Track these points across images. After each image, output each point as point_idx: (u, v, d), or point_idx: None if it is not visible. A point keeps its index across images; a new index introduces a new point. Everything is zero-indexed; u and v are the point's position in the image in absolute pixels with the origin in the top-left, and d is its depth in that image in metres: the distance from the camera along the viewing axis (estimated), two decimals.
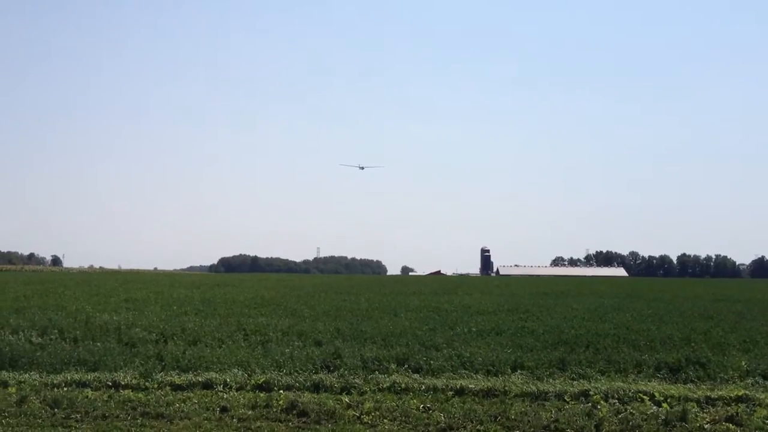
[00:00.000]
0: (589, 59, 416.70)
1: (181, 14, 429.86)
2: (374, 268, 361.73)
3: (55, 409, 12.30)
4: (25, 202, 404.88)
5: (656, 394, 13.70)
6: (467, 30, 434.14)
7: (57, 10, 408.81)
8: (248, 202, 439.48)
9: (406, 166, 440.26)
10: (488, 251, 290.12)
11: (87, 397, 13.26)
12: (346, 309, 31.04)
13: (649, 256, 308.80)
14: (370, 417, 12.10)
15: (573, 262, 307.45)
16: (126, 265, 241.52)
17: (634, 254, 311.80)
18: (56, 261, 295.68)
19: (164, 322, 23.41)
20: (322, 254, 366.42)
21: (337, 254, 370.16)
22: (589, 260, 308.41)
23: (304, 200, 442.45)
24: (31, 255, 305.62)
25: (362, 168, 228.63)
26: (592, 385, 14.57)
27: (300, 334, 20.93)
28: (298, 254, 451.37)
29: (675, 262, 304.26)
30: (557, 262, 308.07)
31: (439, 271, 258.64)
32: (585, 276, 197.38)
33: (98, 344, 18.54)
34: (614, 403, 13.22)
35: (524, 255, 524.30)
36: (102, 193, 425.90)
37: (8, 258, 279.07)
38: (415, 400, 13.28)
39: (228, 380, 14.61)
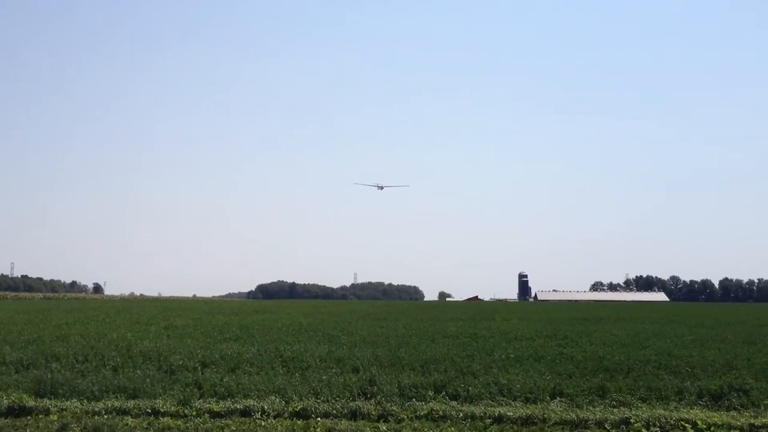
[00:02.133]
0: (626, 81, 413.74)
1: (210, 37, 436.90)
2: (411, 293, 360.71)
3: None
4: (67, 231, 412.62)
5: (699, 422, 13.43)
6: (500, 53, 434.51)
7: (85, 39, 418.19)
8: (285, 228, 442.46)
9: (435, 185, 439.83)
10: (526, 276, 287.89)
11: (127, 424, 13.40)
12: (384, 335, 30.97)
13: (691, 281, 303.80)
14: None
15: (613, 287, 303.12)
16: (166, 293, 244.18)
17: (675, 279, 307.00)
18: (98, 289, 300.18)
19: (203, 350, 23.59)
20: (360, 280, 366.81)
21: (374, 280, 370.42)
22: (629, 285, 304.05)
23: (342, 226, 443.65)
24: (74, 283, 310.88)
25: (381, 188, 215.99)
26: (633, 412, 14.33)
27: (337, 361, 20.93)
28: (335, 280, 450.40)
29: (717, 286, 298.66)
30: (596, 287, 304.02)
31: (477, 296, 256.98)
32: (625, 301, 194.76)
33: (138, 371, 18.74)
34: (656, 431, 12.99)
35: (563, 280, 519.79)
36: (142, 221, 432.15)
37: (51, 286, 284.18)
38: (452, 428, 13.19)
39: (266, 407, 14.66)
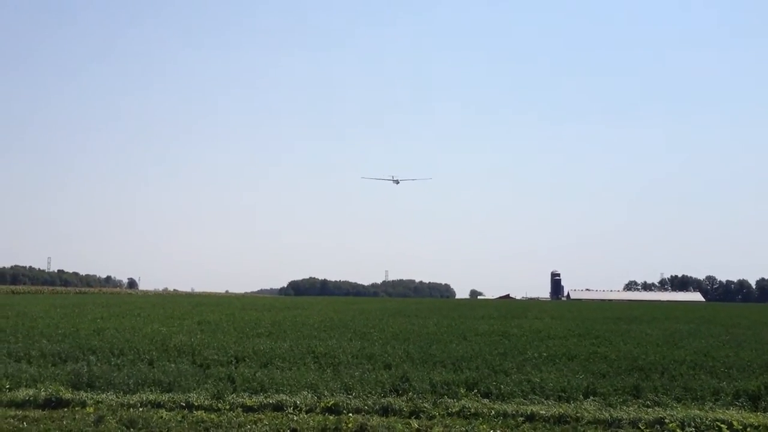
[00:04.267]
0: (669, 78, 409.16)
1: (237, 34, 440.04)
2: (442, 291, 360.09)
3: (131, 429, 12.62)
4: (103, 226, 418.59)
5: (735, 423, 13.24)
6: (540, 45, 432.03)
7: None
8: (317, 225, 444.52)
9: (466, 182, 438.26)
10: (558, 275, 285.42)
11: (161, 417, 13.56)
12: (415, 332, 30.98)
13: (727, 281, 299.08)
14: None
15: (647, 287, 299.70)
16: (199, 288, 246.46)
17: (711, 278, 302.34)
18: (132, 284, 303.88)
19: (236, 345, 23.79)
20: (391, 278, 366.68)
21: (405, 278, 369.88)
22: (663, 284, 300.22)
23: (373, 223, 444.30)
24: (108, 278, 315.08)
25: (397, 182, 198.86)
26: (668, 413, 14.16)
27: (369, 358, 20.98)
28: (366, 278, 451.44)
29: (754, 286, 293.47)
30: (630, 286, 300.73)
31: (508, 295, 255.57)
32: (659, 301, 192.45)
33: (173, 365, 18.95)
34: (691, 431, 12.83)
35: (596, 279, 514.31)
36: (176, 218, 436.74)
37: (86, 281, 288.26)
38: (484, 426, 13.14)
39: (298, 402, 14.74)
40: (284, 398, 15.07)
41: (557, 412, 14.12)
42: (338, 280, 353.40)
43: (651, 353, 23.14)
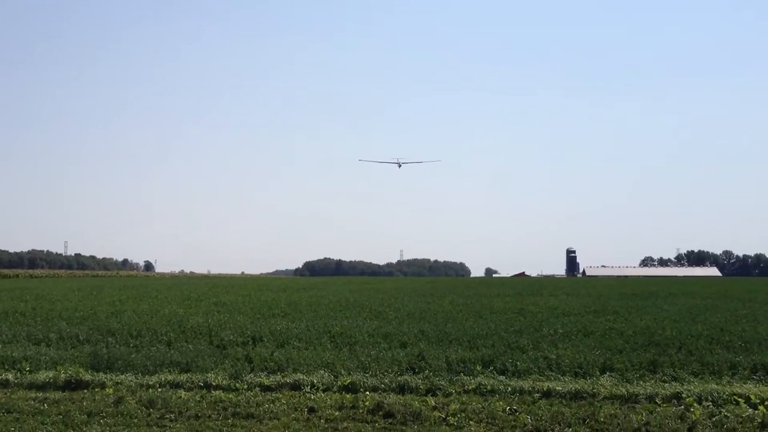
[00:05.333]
0: (683, 49, 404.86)
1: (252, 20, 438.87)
2: (457, 270, 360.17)
3: (150, 409, 12.72)
4: (119, 210, 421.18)
5: (752, 397, 13.17)
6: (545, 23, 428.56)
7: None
8: (331, 206, 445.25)
9: (480, 160, 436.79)
10: (574, 252, 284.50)
11: (180, 397, 13.68)
12: (431, 311, 31.06)
13: (744, 255, 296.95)
14: (456, 419, 12.07)
15: (663, 262, 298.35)
16: (215, 270, 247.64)
17: (727, 253, 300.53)
18: (149, 266, 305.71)
19: (253, 325, 23.93)
20: (406, 257, 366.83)
21: (420, 257, 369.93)
22: (680, 260, 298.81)
23: (388, 203, 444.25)
24: (125, 261, 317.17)
25: (400, 165, 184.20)
26: (685, 387, 14.13)
27: (385, 336, 21.05)
28: (381, 257, 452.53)
29: None
30: (646, 262, 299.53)
31: (524, 272, 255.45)
32: (676, 276, 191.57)
33: (190, 346, 19.09)
34: (708, 406, 12.80)
35: (612, 255, 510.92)
36: (191, 200, 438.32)
37: (104, 264, 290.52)
38: (501, 402, 13.17)
39: (315, 381, 14.82)
40: (301, 377, 15.15)
41: (574, 388, 14.12)
42: (353, 260, 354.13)
43: (668, 328, 23.08)
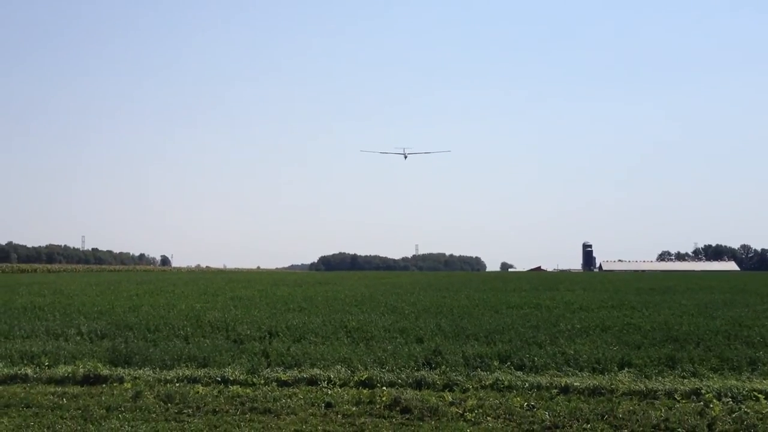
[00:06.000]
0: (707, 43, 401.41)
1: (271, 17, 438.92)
2: (473, 264, 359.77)
3: (168, 404, 12.75)
4: (136, 205, 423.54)
5: None
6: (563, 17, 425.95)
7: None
8: (346, 200, 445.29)
9: (494, 153, 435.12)
10: (590, 246, 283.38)
11: (198, 392, 13.71)
12: (447, 306, 30.99)
13: (762, 249, 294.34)
14: (474, 414, 12.02)
15: (680, 257, 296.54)
16: (231, 265, 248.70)
17: (745, 247, 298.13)
18: (165, 261, 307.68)
19: (269, 320, 23.98)
20: (421, 251, 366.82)
21: (435, 251, 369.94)
22: (697, 254, 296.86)
23: (402, 197, 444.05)
24: (142, 255, 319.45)
25: (406, 156, 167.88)
26: (704, 383, 14.00)
27: (401, 331, 21.03)
28: (396, 252, 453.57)
29: None
30: (664, 256, 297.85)
31: (540, 267, 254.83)
32: (693, 271, 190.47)
33: (207, 341, 19.17)
34: (727, 402, 12.68)
35: (628, 250, 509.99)
36: (207, 195, 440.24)
37: (121, 259, 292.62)
38: (518, 398, 13.10)
39: (332, 377, 14.81)
40: (318, 372, 15.14)
41: (592, 384, 14.03)
42: (368, 254, 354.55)
43: (686, 324, 22.91)
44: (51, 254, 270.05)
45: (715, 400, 12.62)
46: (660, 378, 14.66)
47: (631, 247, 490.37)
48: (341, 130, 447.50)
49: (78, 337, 20.20)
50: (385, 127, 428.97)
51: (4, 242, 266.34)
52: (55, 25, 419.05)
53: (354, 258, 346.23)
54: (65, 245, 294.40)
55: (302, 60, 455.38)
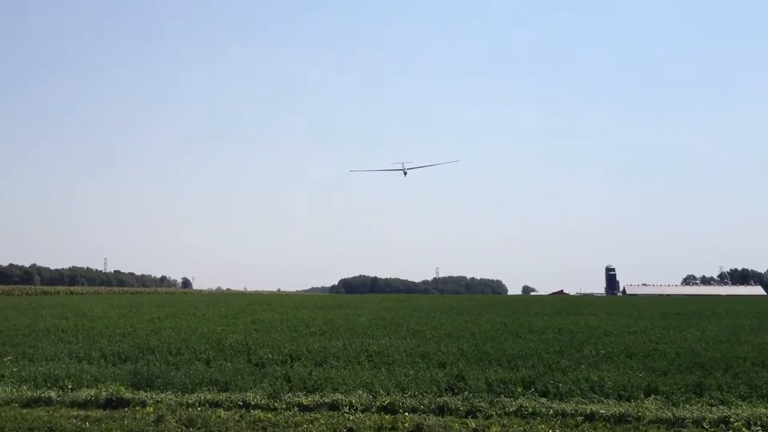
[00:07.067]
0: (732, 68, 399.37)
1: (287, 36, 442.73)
2: (494, 287, 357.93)
3: (190, 429, 12.72)
4: (158, 227, 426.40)
5: None
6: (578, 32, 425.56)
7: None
8: (367, 223, 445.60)
9: (516, 177, 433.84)
10: (613, 270, 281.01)
11: (219, 416, 13.66)
12: (468, 330, 30.75)
13: None
14: None
15: (706, 281, 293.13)
16: (251, 287, 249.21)
17: None
18: (186, 283, 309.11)
19: (290, 343, 23.91)
20: (441, 274, 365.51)
21: (456, 274, 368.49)
22: (723, 278, 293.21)
23: (423, 220, 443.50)
24: (163, 278, 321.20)
25: (406, 173, 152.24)
26: (733, 411, 13.74)
27: (423, 356, 20.87)
28: (417, 275, 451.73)
29: None
30: (689, 280, 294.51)
31: (562, 290, 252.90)
32: (719, 295, 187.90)
33: (229, 364, 19.13)
34: (757, 431, 12.43)
35: (652, 273, 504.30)
36: (228, 218, 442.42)
37: (142, 281, 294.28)
38: (543, 425, 12.93)
39: (353, 402, 14.71)
40: (340, 397, 15.05)
41: (618, 411, 13.81)
42: (389, 277, 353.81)
43: (712, 349, 22.56)
44: (74, 276, 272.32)
45: (744, 429, 12.40)
46: (687, 406, 14.40)
47: (655, 270, 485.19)
48: (359, 151, 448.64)
49: (101, 360, 20.25)
50: (400, 144, 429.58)
51: (27, 264, 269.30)
52: (71, 45, 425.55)
53: (374, 281, 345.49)
54: (88, 267, 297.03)
55: (324, 79, 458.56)
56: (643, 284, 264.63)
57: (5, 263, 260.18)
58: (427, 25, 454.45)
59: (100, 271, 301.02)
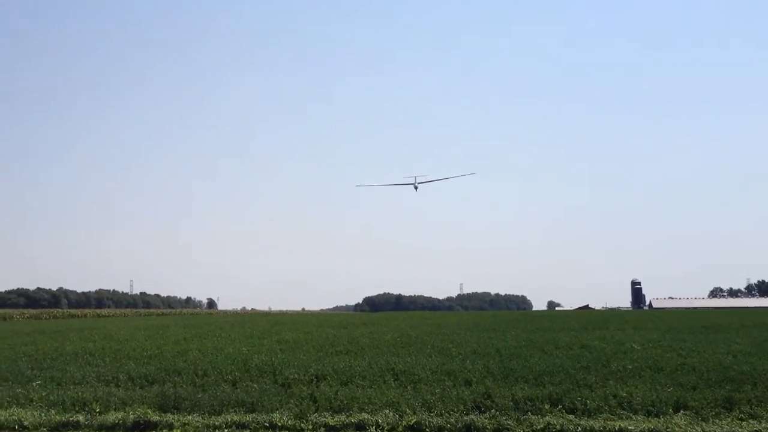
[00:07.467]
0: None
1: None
2: (519, 303, 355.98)
3: None
4: (182, 250, 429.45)
5: None
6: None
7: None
8: (390, 240, 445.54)
9: (539, 191, 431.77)
10: (639, 283, 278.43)
11: None
12: (494, 347, 30.58)
13: None
14: None
15: (733, 293, 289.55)
16: (276, 307, 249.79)
17: None
18: (211, 304, 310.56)
19: (316, 363, 23.92)
20: (466, 290, 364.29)
21: (480, 290, 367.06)
22: (750, 290, 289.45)
23: (447, 236, 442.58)
24: (189, 299, 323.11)
25: (416, 188, 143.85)
26: (763, 425, 13.63)
27: (449, 374, 20.79)
28: (441, 291, 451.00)
29: None
30: (716, 293, 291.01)
31: (587, 305, 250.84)
32: (747, 308, 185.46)
33: (255, 385, 19.16)
34: None
35: (679, 286, 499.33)
36: (251, 237, 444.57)
37: (168, 302, 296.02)
38: None
39: (380, 421, 14.69)
40: (366, 417, 15.04)
41: (647, 427, 13.70)
42: (413, 294, 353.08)
43: (741, 363, 22.27)
44: (100, 299, 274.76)
45: None
46: (717, 421, 14.26)
47: (681, 283, 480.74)
48: (382, 170, 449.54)
49: (128, 383, 20.38)
50: (416, 159, 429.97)
51: (54, 288, 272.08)
52: (93, 67, 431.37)
53: (398, 298, 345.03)
54: (114, 290, 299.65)
55: (333, 96, 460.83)
56: (670, 297, 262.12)
57: (33, 287, 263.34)
58: (438, 38, 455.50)
59: (126, 293, 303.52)
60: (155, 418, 15.47)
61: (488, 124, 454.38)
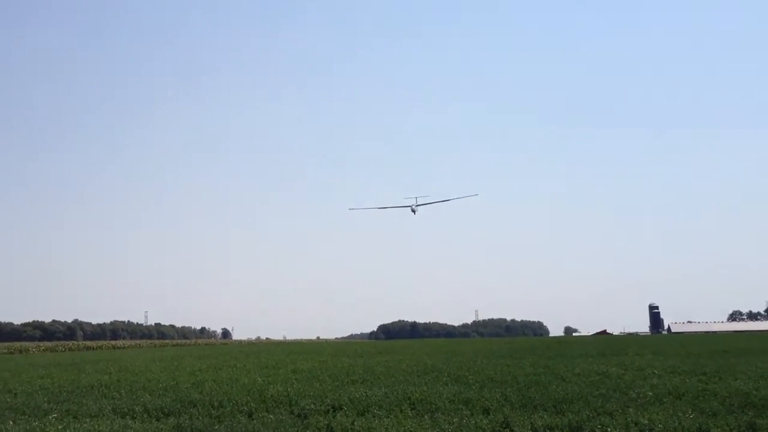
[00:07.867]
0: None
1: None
2: (535, 329, 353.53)
3: None
4: (196, 279, 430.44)
5: None
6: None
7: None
8: (404, 267, 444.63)
9: (554, 216, 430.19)
10: (657, 308, 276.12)
11: None
12: (511, 374, 30.30)
13: None
14: None
15: (752, 316, 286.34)
16: (290, 336, 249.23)
17: None
18: (226, 334, 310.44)
19: (332, 393, 23.75)
20: (481, 317, 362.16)
21: (496, 316, 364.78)
22: None
23: (461, 262, 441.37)
24: (203, 329, 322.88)
25: (414, 211, 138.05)
26: None
27: (466, 403, 20.56)
28: (456, 318, 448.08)
29: None
30: (735, 316, 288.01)
31: (605, 330, 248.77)
32: (767, 331, 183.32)
33: (271, 416, 19.01)
34: None
35: (697, 310, 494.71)
36: (266, 267, 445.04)
37: (183, 333, 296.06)
38: None
39: None
40: None
41: None
42: (428, 321, 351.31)
43: (764, 388, 21.93)
44: (115, 330, 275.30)
45: None
46: None
47: (699, 307, 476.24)
48: (394, 198, 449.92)
49: (144, 415, 20.28)
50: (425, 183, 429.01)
51: (70, 320, 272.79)
52: (106, 97, 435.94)
53: (413, 325, 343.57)
54: (129, 321, 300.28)
55: (357, 131, 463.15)
56: (689, 321, 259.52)
57: (48, 320, 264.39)
58: (441, 58, 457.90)
59: (141, 324, 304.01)
60: None
61: (494, 144, 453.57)
